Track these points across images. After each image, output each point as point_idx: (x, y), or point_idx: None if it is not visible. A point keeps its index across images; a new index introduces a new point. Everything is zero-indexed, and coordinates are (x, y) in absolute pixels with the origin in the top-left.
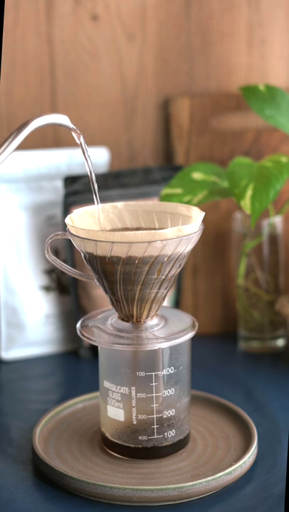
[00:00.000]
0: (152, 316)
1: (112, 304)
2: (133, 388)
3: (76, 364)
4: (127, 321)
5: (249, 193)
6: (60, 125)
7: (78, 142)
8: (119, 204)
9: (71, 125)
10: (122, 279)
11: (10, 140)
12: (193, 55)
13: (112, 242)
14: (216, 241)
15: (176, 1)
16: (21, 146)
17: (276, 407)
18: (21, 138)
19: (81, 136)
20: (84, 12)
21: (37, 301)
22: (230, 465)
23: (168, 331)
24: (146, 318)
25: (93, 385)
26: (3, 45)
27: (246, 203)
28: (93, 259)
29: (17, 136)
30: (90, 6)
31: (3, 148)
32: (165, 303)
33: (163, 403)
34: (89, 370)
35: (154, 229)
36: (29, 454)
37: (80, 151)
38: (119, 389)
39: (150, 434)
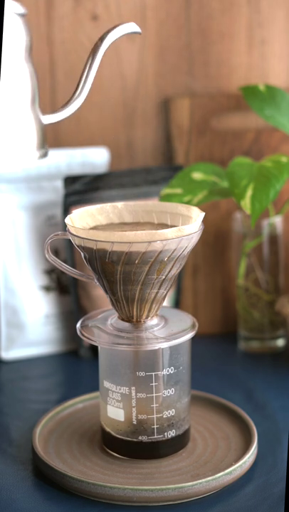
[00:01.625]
0: (152, 317)
1: (112, 304)
2: (133, 388)
3: (76, 364)
4: (127, 321)
5: (249, 193)
6: (133, 33)
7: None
8: (119, 204)
9: (138, 29)
10: (122, 279)
11: (90, 62)
12: (193, 55)
13: (112, 242)
14: (216, 241)
15: (176, 1)
16: None
17: (276, 407)
18: (100, 56)
19: None
20: (84, 12)
21: (37, 301)
22: (231, 465)
23: (168, 331)
24: (147, 318)
25: (93, 385)
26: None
27: (246, 202)
28: (93, 259)
29: (96, 55)
30: (90, 6)
31: (86, 71)
32: (165, 303)
33: (163, 403)
34: (89, 370)
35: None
36: (29, 454)
37: (79, 151)
38: (119, 389)
39: (150, 434)
